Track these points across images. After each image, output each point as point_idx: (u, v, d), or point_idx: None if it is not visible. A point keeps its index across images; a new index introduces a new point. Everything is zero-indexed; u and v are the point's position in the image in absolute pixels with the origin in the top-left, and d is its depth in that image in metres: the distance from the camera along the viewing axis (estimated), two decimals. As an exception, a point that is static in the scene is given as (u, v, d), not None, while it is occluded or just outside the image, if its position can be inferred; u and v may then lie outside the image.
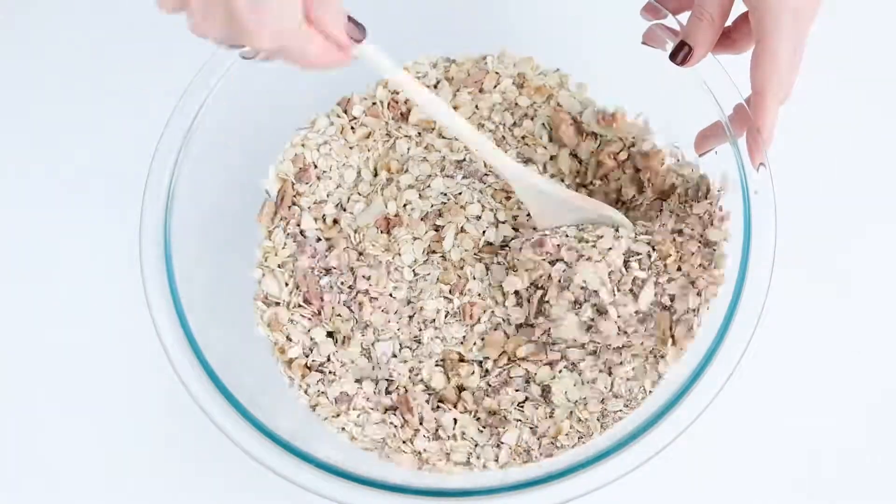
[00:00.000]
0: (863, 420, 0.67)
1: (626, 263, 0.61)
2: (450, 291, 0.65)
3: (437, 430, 0.63)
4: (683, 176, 0.65)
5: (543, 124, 0.70)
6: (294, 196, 0.68)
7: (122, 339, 0.69)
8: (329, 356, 0.65)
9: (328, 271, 0.66)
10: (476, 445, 0.62)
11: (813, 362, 0.68)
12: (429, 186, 0.68)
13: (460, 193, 0.67)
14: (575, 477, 0.55)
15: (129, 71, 0.74)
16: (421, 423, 0.63)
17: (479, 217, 0.67)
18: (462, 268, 0.66)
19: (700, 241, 0.61)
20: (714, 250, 0.61)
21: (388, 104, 0.70)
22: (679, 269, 0.61)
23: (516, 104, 0.70)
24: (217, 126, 0.61)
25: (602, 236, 0.61)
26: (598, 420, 0.61)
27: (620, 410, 0.61)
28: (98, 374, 0.69)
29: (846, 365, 0.68)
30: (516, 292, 0.64)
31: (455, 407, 0.63)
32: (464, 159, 0.68)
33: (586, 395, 0.62)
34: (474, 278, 0.65)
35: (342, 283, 0.66)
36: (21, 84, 0.76)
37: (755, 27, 0.55)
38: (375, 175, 0.69)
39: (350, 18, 0.50)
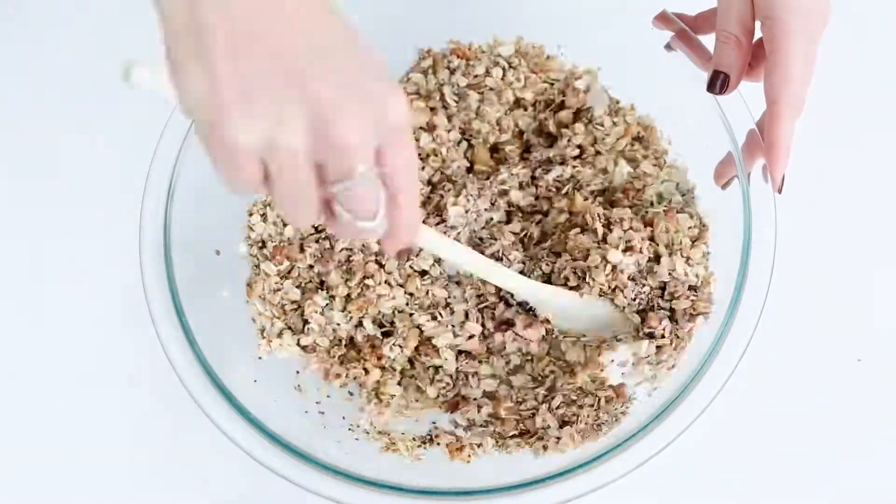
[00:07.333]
0: (863, 422, 0.67)
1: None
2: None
3: None
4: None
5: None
6: None
7: (120, 338, 0.69)
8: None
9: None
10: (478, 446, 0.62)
11: (813, 363, 0.68)
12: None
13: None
14: (574, 477, 0.55)
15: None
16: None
17: None
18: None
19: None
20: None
21: None
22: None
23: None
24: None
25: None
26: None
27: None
28: (97, 373, 0.69)
29: (846, 367, 0.68)
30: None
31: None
32: None
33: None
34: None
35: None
36: (21, 83, 0.75)
37: (767, 37, 0.54)
38: None
39: None
